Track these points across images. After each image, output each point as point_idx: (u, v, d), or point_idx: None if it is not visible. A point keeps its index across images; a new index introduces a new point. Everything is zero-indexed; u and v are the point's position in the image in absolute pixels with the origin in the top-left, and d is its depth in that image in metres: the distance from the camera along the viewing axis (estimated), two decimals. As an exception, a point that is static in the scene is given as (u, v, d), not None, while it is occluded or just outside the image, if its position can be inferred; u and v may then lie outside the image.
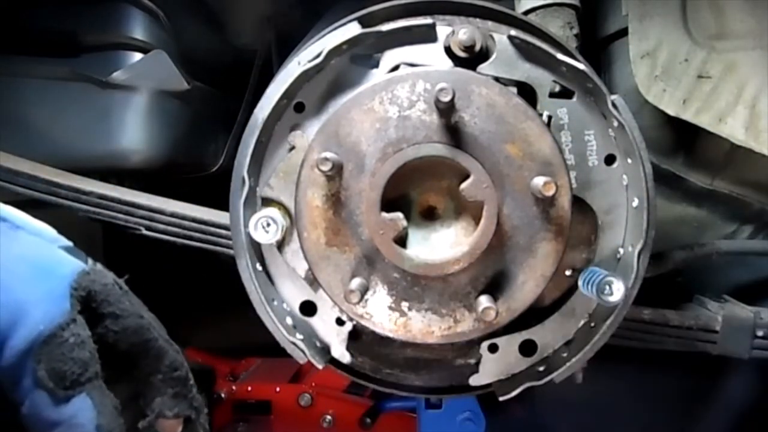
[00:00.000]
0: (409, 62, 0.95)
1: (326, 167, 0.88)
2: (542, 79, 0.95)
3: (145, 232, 1.28)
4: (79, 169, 1.36)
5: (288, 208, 0.97)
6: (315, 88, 0.96)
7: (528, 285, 0.93)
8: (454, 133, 0.91)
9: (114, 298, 0.80)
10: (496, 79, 0.94)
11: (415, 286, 0.94)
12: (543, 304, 1.00)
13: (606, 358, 1.00)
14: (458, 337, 0.95)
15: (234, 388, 2.01)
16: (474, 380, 1.00)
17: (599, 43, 1.39)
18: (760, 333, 1.23)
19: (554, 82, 0.95)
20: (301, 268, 0.99)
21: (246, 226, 0.94)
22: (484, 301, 0.91)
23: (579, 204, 0.95)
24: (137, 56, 1.51)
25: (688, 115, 1.21)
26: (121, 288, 0.82)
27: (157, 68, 1.52)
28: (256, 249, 0.99)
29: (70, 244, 0.81)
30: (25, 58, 1.49)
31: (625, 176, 0.96)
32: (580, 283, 0.95)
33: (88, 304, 0.78)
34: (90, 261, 0.81)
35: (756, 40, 1.18)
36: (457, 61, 0.94)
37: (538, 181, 0.89)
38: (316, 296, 1.00)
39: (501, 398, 0.97)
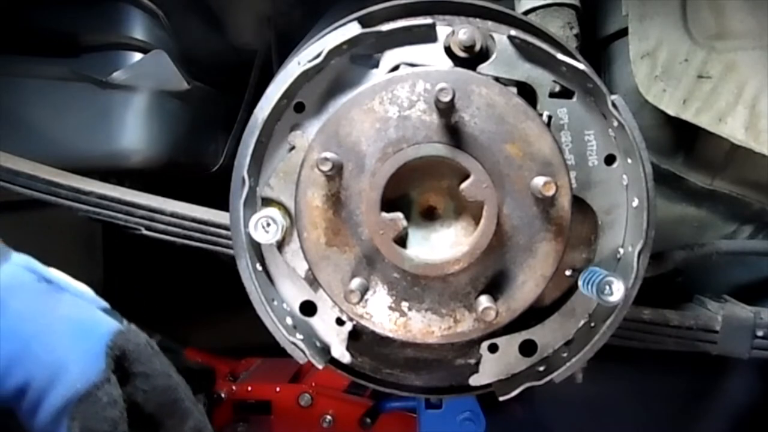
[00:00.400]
0: (409, 62, 0.95)
1: (326, 167, 0.88)
2: (542, 79, 0.95)
3: (145, 232, 1.28)
4: (79, 169, 1.36)
5: (288, 208, 0.97)
6: (315, 88, 0.96)
7: (528, 285, 0.93)
8: (454, 133, 0.90)
9: (145, 358, 0.81)
10: (496, 79, 0.93)
11: (415, 286, 0.94)
12: (543, 304, 1.00)
13: (606, 358, 1.00)
14: (458, 337, 0.95)
15: (234, 388, 2.00)
16: (474, 380, 1.00)
17: (599, 43, 1.39)
18: (760, 333, 1.22)
19: (554, 82, 0.95)
20: (301, 268, 0.99)
21: (246, 226, 0.94)
22: (484, 301, 0.91)
23: (579, 204, 0.95)
24: (137, 56, 1.52)
25: (688, 115, 1.21)
26: (152, 348, 0.83)
27: (157, 68, 1.52)
28: (256, 249, 0.99)
29: (107, 305, 0.83)
30: (25, 58, 1.49)
31: (625, 176, 0.96)
32: (580, 283, 0.95)
33: (120, 363, 0.79)
34: (125, 321, 0.82)
35: (756, 40, 1.17)
36: (457, 61, 0.94)
37: (538, 181, 0.89)
38: (316, 296, 1.00)
39: (501, 398, 0.97)
